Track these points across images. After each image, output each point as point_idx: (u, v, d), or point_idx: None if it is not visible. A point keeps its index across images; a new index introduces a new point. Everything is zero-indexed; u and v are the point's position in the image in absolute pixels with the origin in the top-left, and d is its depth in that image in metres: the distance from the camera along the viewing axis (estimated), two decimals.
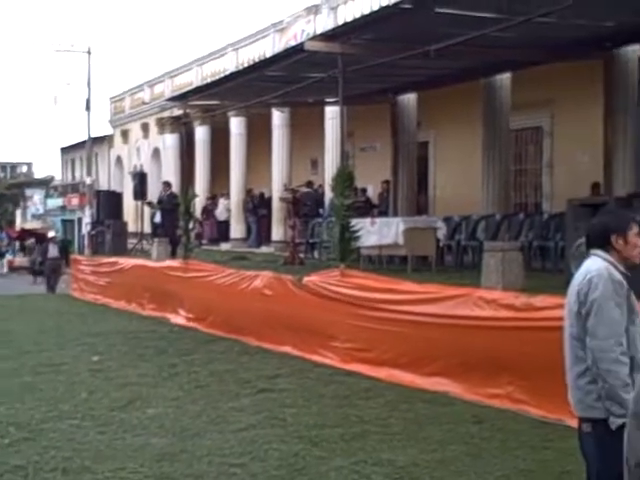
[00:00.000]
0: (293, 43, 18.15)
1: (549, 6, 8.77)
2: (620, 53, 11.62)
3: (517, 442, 5.78)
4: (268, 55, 18.68)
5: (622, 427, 3.61)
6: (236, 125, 23.55)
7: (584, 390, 3.74)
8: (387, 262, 14.24)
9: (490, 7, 9.69)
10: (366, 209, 16.97)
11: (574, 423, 3.90)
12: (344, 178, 9.80)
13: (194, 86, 22.20)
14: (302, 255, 16.62)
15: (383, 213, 17.33)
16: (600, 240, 3.83)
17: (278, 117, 21.10)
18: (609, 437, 3.65)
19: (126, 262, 15.55)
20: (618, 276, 3.73)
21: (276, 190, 21.05)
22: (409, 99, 16.80)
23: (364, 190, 18.64)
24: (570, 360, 3.84)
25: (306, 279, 9.53)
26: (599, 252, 3.84)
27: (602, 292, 3.66)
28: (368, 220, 13.89)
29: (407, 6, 9.62)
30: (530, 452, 5.58)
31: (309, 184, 19.92)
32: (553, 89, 15.17)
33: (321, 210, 18.72)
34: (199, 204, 22.16)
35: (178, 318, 12.23)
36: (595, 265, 3.79)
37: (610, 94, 11.91)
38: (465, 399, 6.97)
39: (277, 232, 21.11)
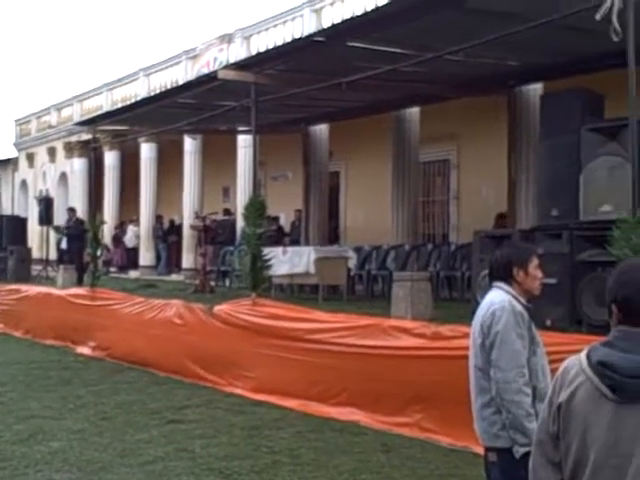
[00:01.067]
0: (206, 71, 18.14)
1: (457, 44, 9.07)
2: (523, 91, 12.10)
3: (426, 470, 5.86)
4: (180, 82, 18.58)
5: (526, 455, 3.71)
6: (147, 151, 23.28)
7: (489, 420, 3.83)
8: (298, 291, 14.27)
9: (400, 43, 9.95)
10: (278, 238, 17.01)
11: (481, 450, 3.99)
12: (256, 207, 9.81)
13: (104, 111, 21.85)
14: (213, 283, 16.48)
15: (295, 242, 17.41)
16: (502, 272, 3.94)
17: (190, 144, 20.98)
18: (514, 465, 3.75)
19: (30, 289, 15.04)
20: (520, 308, 3.85)
21: (187, 217, 20.86)
22: (321, 129, 17.01)
23: (276, 219, 18.68)
24: (475, 391, 3.93)
25: (217, 308, 9.45)
26: (501, 284, 3.95)
27: (504, 324, 3.77)
28: (280, 249, 13.93)
29: (319, 39, 9.78)
30: (439, 479, 5.66)
31: (226, 212, 19.82)
32: (460, 123, 15.65)
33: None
34: (108, 230, 21.73)
35: (84, 348, 11.89)
36: (498, 298, 3.90)
37: (513, 130, 12.36)
38: (375, 428, 7.02)
39: (187, 260, 20.88)
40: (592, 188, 7.95)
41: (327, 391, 7.74)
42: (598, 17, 6.40)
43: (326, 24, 10.19)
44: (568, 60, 10.61)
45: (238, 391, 8.59)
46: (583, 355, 2.23)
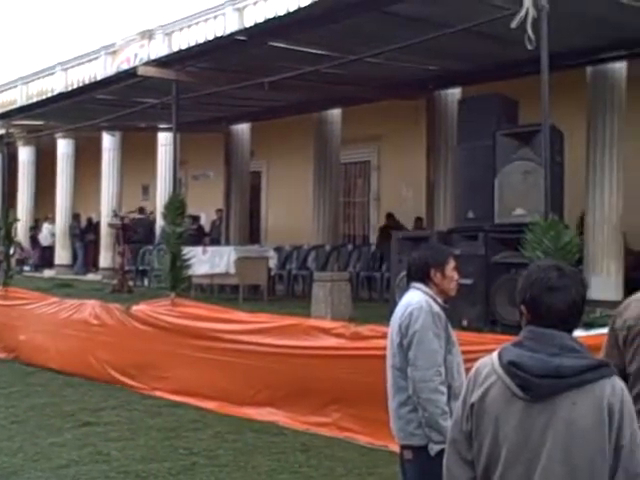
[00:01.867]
0: (125, 67, 17.81)
1: (378, 47, 9.18)
2: (442, 95, 12.33)
3: (344, 469, 5.90)
4: (99, 77, 18.20)
5: (441, 453, 3.79)
6: (63, 147, 22.69)
7: (405, 419, 3.89)
8: (218, 291, 14.17)
9: (323, 44, 10.00)
10: (198, 237, 16.84)
11: (398, 449, 4.04)
12: (176, 206, 9.69)
13: (18, 105, 21.20)
14: (131, 283, 16.20)
15: (215, 241, 17.28)
16: (420, 273, 4.01)
17: (109, 140, 20.56)
18: (429, 463, 3.82)
19: None
20: (437, 308, 3.93)
21: (105, 215, 20.44)
22: (243, 129, 16.93)
23: (197, 218, 18.50)
24: (392, 390, 3.98)
25: (135, 308, 9.30)
26: (419, 285, 4.02)
27: (422, 324, 3.83)
28: (200, 248, 13.79)
29: (241, 38, 9.74)
30: (356, 478, 5.71)
31: (141, 210, 19.51)
32: (381, 125, 15.83)
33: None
34: (22, 228, 21.09)
35: None
36: (415, 298, 3.97)
37: (432, 133, 12.58)
38: (294, 428, 7.03)
39: (105, 259, 20.46)
40: (506, 192, 8.17)
41: (246, 392, 7.71)
42: (513, 25, 6.57)
43: (248, 23, 10.14)
44: (485, 66, 10.86)
45: (156, 393, 8.46)
46: (495, 355, 2.29)
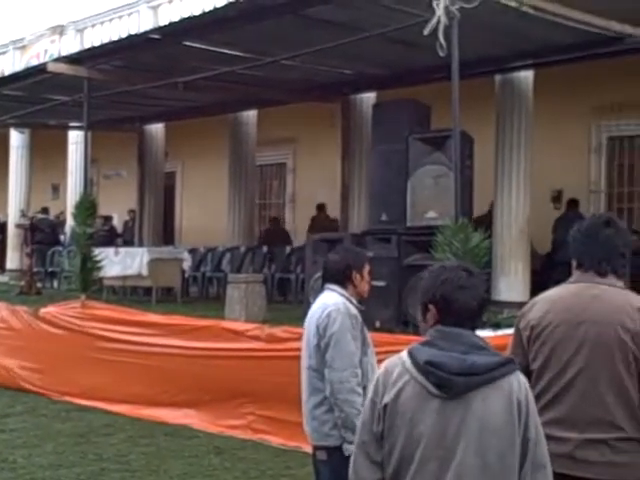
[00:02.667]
0: (35, 62, 17.30)
1: (294, 50, 9.23)
2: (357, 99, 12.47)
3: (258, 471, 5.91)
4: (7, 73, 17.62)
5: None
6: None
7: (320, 420, 3.92)
8: (131, 293, 13.93)
9: (239, 46, 9.97)
10: (110, 238, 16.50)
11: (311, 449, 4.07)
12: (86, 206, 9.50)
13: None
14: (40, 285, 15.75)
15: (128, 243, 16.97)
16: (340, 275, 4.04)
17: (17, 138, 19.92)
18: (343, 463, 3.85)
19: None
20: (354, 310, 3.98)
21: (12, 215, 19.79)
22: (157, 129, 16.70)
23: (109, 218, 18.13)
24: (307, 391, 4.01)
25: (43, 310, 9.05)
26: (335, 287, 4.06)
27: (340, 326, 3.88)
28: (112, 250, 13.52)
29: (155, 36, 9.62)
30: None
31: (44, 210, 18.97)
32: (297, 128, 15.88)
33: (62, 237, 17.91)
34: None
35: None
36: (332, 300, 4.01)
37: (347, 136, 12.70)
38: (208, 431, 6.99)
39: (12, 260, 19.79)
40: (419, 195, 8.33)
41: (159, 394, 7.62)
42: (426, 32, 6.73)
43: (163, 22, 10.03)
44: (399, 71, 11.05)
45: (65, 397, 8.26)
46: (405, 355, 2.31)
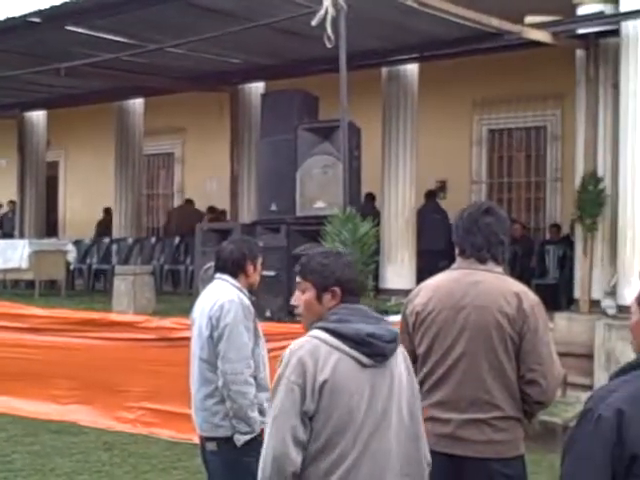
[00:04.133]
0: None
1: (181, 38, 9.09)
2: (245, 89, 12.41)
3: (148, 465, 5.84)
4: None
5: (247, 444, 3.86)
6: None
7: (211, 411, 3.91)
8: (12, 287, 13.42)
9: (123, 32, 9.73)
10: None
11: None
12: None
13: None
14: None
15: (8, 235, 16.31)
16: (233, 265, 4.02)
17: None
18: (235, 454, 3.87)
19: None
20: (247, 301, 3.98)
21: None
22: (39, 116, 16.08)
23: None
24: (198, 382, 3.98)
25: None
26: (226, 277, 4.04)
27: (234, 317, 3.86)
28: None
29: (35, 20, 9.26)
30: (161, 474, 5.67)
31: None
32: (185, 117, 15.66)
33: None
34: None
35: None
36: (224, 290, 3.98)
37: (236, 126, 12.63)
38: (96, 427, 6.84)
39: None
40: (307, 185, 8.39)
41: (44, 390, 7.39)
42: (314, 23, 6.78)
43: (44, 5, 9.66)
44: (288, 62, 11.07)
45: None
46: (324, 335, 2.39)
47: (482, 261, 3.07)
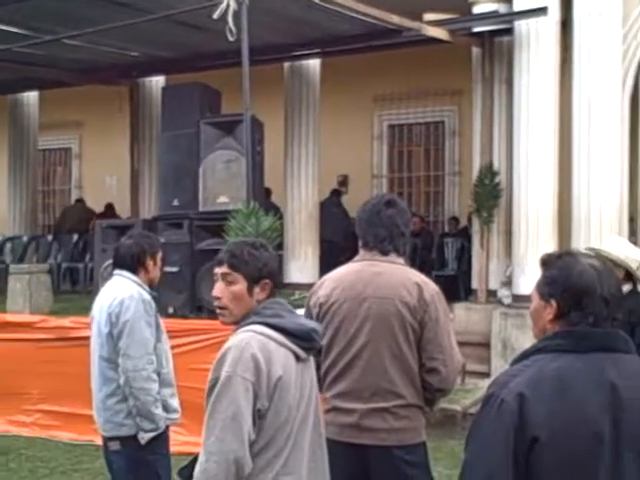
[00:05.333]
0: None
1: (77, 29, 8.83)
2: (145, 83, 12.18)
3: (47, 469, 5.67)
4: None
5: (152, 441, 3.80)
6: None
7: (113, 410, 3.83)
8: None
9: (15, 22, 9.38)
10: None
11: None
12: None
13: None
14: None
15: None
16: (132, 261, 3.95)
17: None
18: (140, 452, 3.81)
19: None
20: (147, 296, 3.92)
21: None
22: None
23: None
24: (98, 381, 3.90)
25: None
26: (125, 273, 3.96)
27: (134, 313, 3.80)
28: None
29: None
30: (61, 477, 5.51)
31: None
32: (83, 111, 15.24)
33: None
34: None
35: None
36: (124, 286, 3.91)
37: (136, 121, 12.39)
38: None
39: None
40: (210, 180, 8.31)
41: None
42: (215, 16, 6.71)
43: None
44: (190, 55, 10.91)
45: None
46: (268, 330, 2.35)
47: (384, 253, 3.12)
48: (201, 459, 2.28)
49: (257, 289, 2.46)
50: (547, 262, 2.05)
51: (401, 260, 3.17)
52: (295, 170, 10.82)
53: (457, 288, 10.67)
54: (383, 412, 3.00)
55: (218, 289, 2.48)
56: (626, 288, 4.41)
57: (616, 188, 8.74)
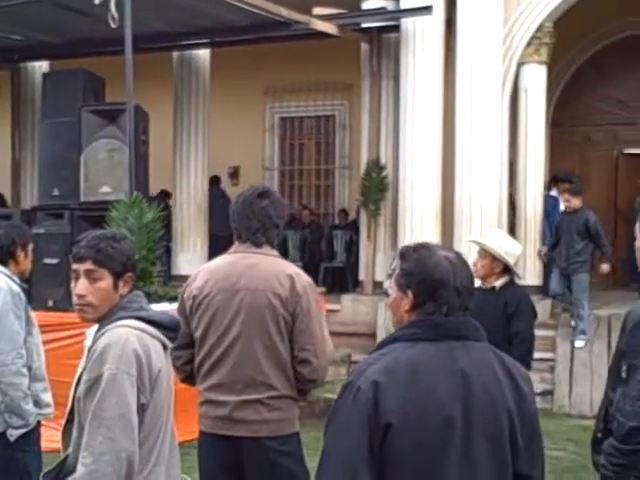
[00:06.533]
0: None
1: None
2: (28, 68, 11.76)
3: None
4: None
5: (21, 438, 3.69)
6: None
7: None
8: None
9: None
10: None
11: None
12: None
13: None
14: None
15: None
16: (3, 253, 3.84)
17: None
18: (8, 450, 3.69)
19: None
20: (17, 288, 3.80)
21: None
22: None
23: None
24: None
25: None
26: None
27: (2, 306, 3.68)
28: None
29: None
30: None
31: None
32: None
33: None
34: None
35: None
36: None
37: (17, 108, 11.94)
38: None
39: None
40: (92, 169, 8.08)
41: None
42: (97, 2, 6.55)
43: None
44: (74, 41, 10.58)
45: None
46: (141, 325, 2.33)
47: (258, 245, 3.12)
48: (85, 461, 2.20)
49: (121, 283, 2.42)
50: (404, 255, 2.11)
51: (275, 252, 3.18)
52: (184, 161, 10.70)
53: (345, 280, 10.82)
54: (256, 404, 3.01)
55: (82, 287, 2.38)
56: (503, 281, 4.60)
57: (496, 183, 9.07)
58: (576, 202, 8.31)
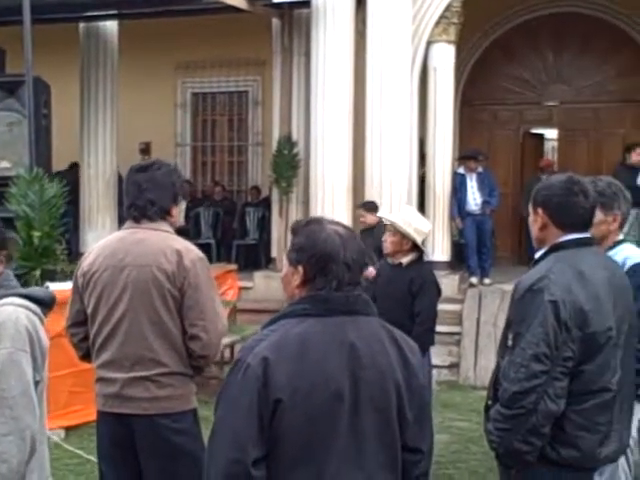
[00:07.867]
0: None
1: None
2: None
3: None
4: None
5: None
6: None
7: None
8: None
9: None
10: None
11: None
12: None
13: None
14: None
15: None
16: None
17: None
18: None
19: None
20: None
21: None
22: None
23: None
24: None
25: None
26: None
27: None
28: None
29: None
30: None
31: None
32: None
33: None
34: None
35: None
36: None
37: None
38: None
39: None
40: None
41: None
42: None
43: None
44: None
45: None
46: (24, 301, 2.28)
47: (149, 219, 3.05)
48: None
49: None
50: (295, 230, 2.10)
51: (167, 226, 3.10)
52: (92, 137, 10.43)
53: (258, 257, 10.80)
54: (145, 381, 2.96)
55: None
56: (411, 257, 4.66)
57: (406, 160, 9.17)
58: (372, 218, 7.35)
